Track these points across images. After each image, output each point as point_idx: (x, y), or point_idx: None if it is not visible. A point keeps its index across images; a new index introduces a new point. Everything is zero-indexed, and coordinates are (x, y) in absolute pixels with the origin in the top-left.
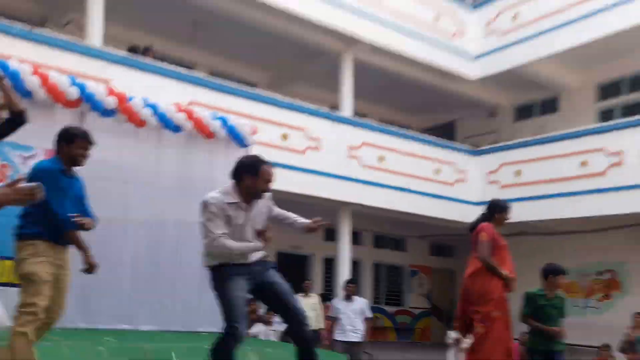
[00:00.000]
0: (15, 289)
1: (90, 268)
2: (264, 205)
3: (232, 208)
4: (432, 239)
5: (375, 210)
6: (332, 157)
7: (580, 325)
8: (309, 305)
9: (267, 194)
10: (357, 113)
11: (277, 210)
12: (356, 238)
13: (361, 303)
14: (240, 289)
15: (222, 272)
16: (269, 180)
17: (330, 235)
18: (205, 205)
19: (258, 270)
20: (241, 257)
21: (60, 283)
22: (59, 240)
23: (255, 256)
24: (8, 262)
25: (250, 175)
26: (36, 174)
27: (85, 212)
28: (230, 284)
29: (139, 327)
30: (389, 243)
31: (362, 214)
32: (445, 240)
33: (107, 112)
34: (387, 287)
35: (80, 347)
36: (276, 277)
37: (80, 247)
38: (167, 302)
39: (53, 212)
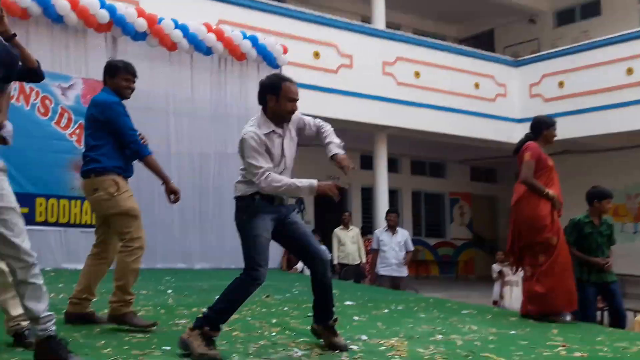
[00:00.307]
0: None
1: (175, 194)
2: (293, 127)
3: (269, 138)
4: (472, 163)
5: (412, 133)
6: (366, 75)
7: (629, 253)
8: (349, 238)
9: (295, 116)
10: (390, 25)
11: (308, 120)
12: (393, 165)
13: (404, 235)
14: (267, 229)
15: (253, 204)
16: (293, 99)
17: (367, 163)
18: (244, 142)
19: (284, 212)
20: (292, 193)
21: None
22: (130, 173)
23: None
24: (64, 201)
25: (273, 96)
26: (105, 108)
27: None
28: (257, 222)
29: (193, 266)
30: (428, 169)
31: (398, 138)
32: (486, 164)
33: (138, 36)
34: (427, 217)
35: (146, 287)
36: (297, 217)
37: (160, 173)
38: (215, 240)
39: (130, 140)
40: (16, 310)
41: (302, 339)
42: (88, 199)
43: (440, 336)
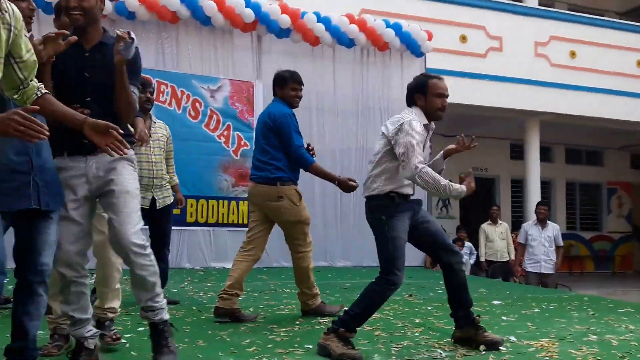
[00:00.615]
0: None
1: (349, 187)
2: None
3: (422, 132)
4: (633, 149)
5: (567, 119)
6: (517, 58)
7: None
8: (498, 234)
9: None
10: (543, 2)
11: None
12: (545, 154)
13: (555, 229)
14: (405, 230)
15: (392, 204)
16: (441, 94)
17: (517, 152)
18: (409, 127)
19: (417, 209)
20: (439, 193)
21: None
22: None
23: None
24: (213, 202)
25: (420, 94)
26: (277, 119)
27: None
28: (397, 223)
29: (335, 263)
30: (583, 157)
31: (552, 125)
32: None
33: (282, 32)
34: (582, 209)
35: (289, 286)
36: (427, 214)
37: (327, 176)
38: (356, 238)
39: (295, 152)
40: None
41: (446, 340)
42: (267, 204)
43: (594, 336)
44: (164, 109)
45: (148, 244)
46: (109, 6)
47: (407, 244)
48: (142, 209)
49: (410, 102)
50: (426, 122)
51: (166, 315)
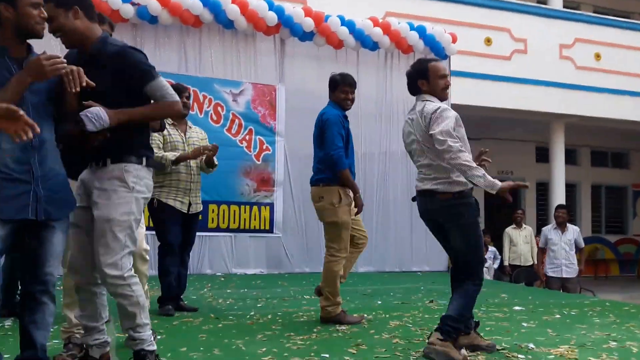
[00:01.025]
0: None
1: (359, 208)
2: None
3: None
4: None
5: (593, 121)
6: (542, 61)
7: None
8: (522, 238)
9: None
10: (568, 4)
11: None
12: (570, 156)
13: (574, 232)
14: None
15: (469, 200)
16: (443, 75)
17: (542, 155)
18: (445, 115)
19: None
20: (472, 179)
21: None
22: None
23: None
24: (235, 207)
25: (423, 80)
26: (324, 121)
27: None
28: (476, 220)
29: (357, 269)
30: (609, 160)
31: (577, 127)
32: None
33: (305, 36)
34: (608, 212)
35: (308, 292)
36: None
37: (353, 187)
38: (379, 242)
39: (331, 152)
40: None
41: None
42: (314, 205)
43: (615, 343)
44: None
45: (129, 273)
46: (130, 10)
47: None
48: (181, 213)
49: (415, 90)
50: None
51: (150, 347)
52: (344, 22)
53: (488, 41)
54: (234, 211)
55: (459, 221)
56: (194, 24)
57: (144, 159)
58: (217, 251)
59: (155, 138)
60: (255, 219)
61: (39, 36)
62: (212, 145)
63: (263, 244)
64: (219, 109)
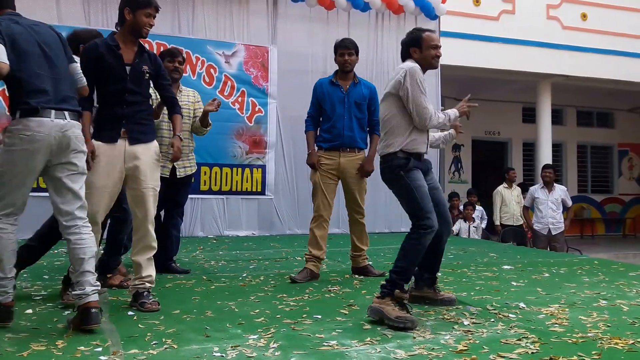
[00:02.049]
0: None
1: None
2: None
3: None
4: None
5: (579, 81)
6: (529, 21)
7: None
8: (514, 197)
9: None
10: None
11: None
12: (557, 116)
13: (561, 191)
14: (423, 179)
15: (407, 163)
16: (436, 46)
17: (529, 116)
18: (412, 74)
19: (426, 168)
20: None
21: None
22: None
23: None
24: (227, 169)
25: (416, 48)
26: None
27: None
28: (415, 174)
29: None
30: (594, 120)
31: (563, 87)
32: None
33: None
34: (593, 171)
35: (302, 254)
36: (437, 182)
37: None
38: (369, 204)
39: None
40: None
41: (456, 307)
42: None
43: (605, 302)
44: None
45: None
46: None
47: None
48: (162, 178)
49: (406, 56)
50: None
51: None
52: None
53: (477, 1)
54: (226, 173)
55: (388, 176)
56: None
57: (18, 112)
58: (209, 213)
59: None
60: (247, 181)
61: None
62: (216, 102)
63: (255, 205)
64: (212, 70)
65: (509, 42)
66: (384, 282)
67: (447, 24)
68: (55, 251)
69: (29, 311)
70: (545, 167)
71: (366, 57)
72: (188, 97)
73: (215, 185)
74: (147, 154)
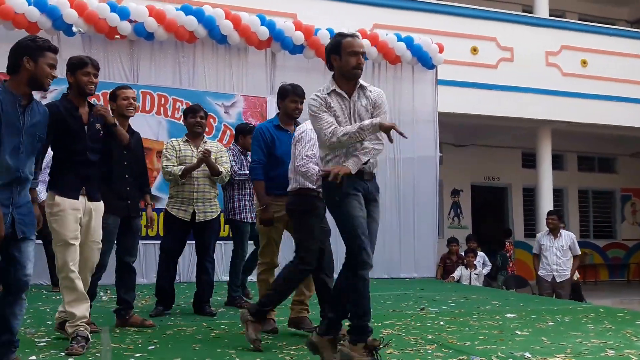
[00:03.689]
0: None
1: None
2: (374, 96)
3: (331, 98)
4: None
5: (579, 127)
6: (528, 68)
7: None
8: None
9: (374, 91)
10: (554, 13)
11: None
12: (557, 162)
13: (567, 238)
14: (360, 207)
15: (340, 183)
16: (356, 52)
17: (528, 161)
18: (309, 109)
19: (369, 190)
20: (358, 137)
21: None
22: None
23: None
24: None
25: (336, 55)
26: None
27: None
28: (349, 200)
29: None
30: (596, 165)
31: (564, 133)
32: None
33: (295, 49)
34: (595, 216)
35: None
36: (376, 212)
37: (258, 198)
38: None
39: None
40: None
41: (459, 358)
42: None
43: (612, 351)
44: (179, 125)
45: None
46: (128, 27)
47: None
48: (184, 222)
49: (329, 64)
50: (333, 88)
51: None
52: (332, 34)
53: (474, 50)
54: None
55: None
56: (189, 40)
57: None
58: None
59: (172, 154)
60: None
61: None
62: (202, 152)
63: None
64: (211, 120)
65: (508, 89)
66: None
67: (445, 72)
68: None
69: (32, 358)
70: (549, 213)
71: None
72: (211, 147)
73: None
74: (99, 211)
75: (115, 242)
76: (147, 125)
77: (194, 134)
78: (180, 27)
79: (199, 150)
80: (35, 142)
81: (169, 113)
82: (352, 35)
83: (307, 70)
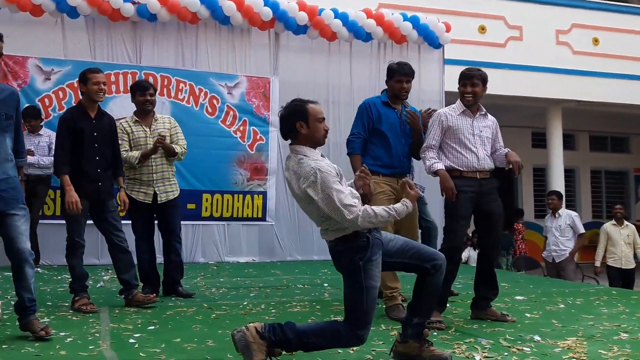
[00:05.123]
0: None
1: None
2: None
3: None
4: None
5: (591, 106)
6: (537, 47)
7: None
8: (623, 237)
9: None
10: None
11: None
12: (568, 141)
13: (567, 218)
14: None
15: (352, 244)
16: (323, 119)
17: (540, 140)
18: (321, 177)
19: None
20: None
21: None
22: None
23: None
24: (228, 196)
25: (302, 122)
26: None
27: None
28: (374, 269)
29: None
30: (609, 144)
31: (575, 112)
32: None
33: (299, 29)
34: (608, 197)
35: (302, 281)
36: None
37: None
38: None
39: None
40: None
41: (466, 340)
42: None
43: (626, 335)
44: (183, 106)
45: None
46: (131, 9)
47: None
48: (146, 204)
49: (291, 133)
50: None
51: None
52: (337, 14)
53: (482, 29)
54: (228, 200)
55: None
56: (191, 21)
57: None
58: (210, 240)
59: (124, 137)
60: (248, 208)
61: None
62: (157, 138)
63: (256, 232)
64: (214, 101)
65: (516, 68)
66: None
67: (452, 52)
68: (59, 277)
69: (31, 338)
70: (549, 193)
71: (368, 87)
72: (164, 124)
73: (217, 211)
74: None
75: (97, 225)
76: None
77: (144, 112)
78: (183, 8)
79: (151, 130)
80: (3, 120)
81: (172, 94)
82: (313, 102)
83: (311, 50)
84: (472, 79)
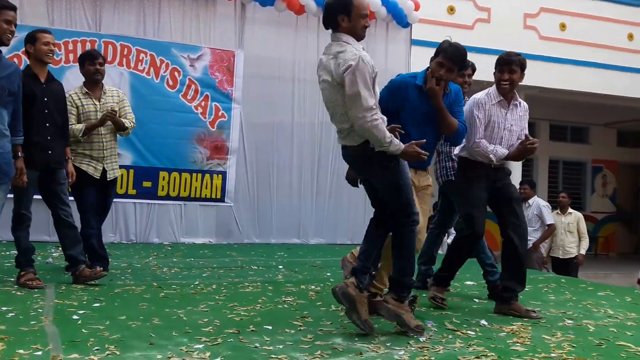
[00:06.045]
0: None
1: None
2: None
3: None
4: (620, 126)
5: (553, 93)
6: (505, 30)
7: None
8: (563, 226)
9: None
10: None
11: None
12: (529, 130)
13: (535, 208)
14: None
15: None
16: (365, 15)
17: None
18: (358, 69)
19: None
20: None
21: None
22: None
23: None
24: (186, 175)
25: (344, 15)
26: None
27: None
28: (404, 167)
29: (309, 241)
30: (569, 134)
31: (537, 100)
32: (636, 128)
33: (266, 1)
34: (565, 187)
35: (257, 263)
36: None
37: None
38: (331, 214)
39: None
40: None
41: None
42: None
43: (571, 321)
44: (142, 77)
45: None
46: None
47: None
48: (93, 179)
49: (332, 24)
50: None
51: None
52: None
53: (451, 10)
54: (185, 179)
55: (374, 168)
56: None
57: None
58: (165, 220)
59: (72, 111)
60: (206, 188)
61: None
62: (107, 111)
63: (213, 213)
64: (176, 73)
65: (483, 51)
66: (397, 286)
67: (420, 32)
68: (7, 252)
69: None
70: (520, 183)
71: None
72: (112, 97)
73: (174, 190)
74: None
75: (44, 198)
76: (108, 76)
77: (93, 82)
78: None
79: (102, 104)
80: (5, 96)
81: (132, 64)
82: None
83: (277, 23)
84: (511, 65)
